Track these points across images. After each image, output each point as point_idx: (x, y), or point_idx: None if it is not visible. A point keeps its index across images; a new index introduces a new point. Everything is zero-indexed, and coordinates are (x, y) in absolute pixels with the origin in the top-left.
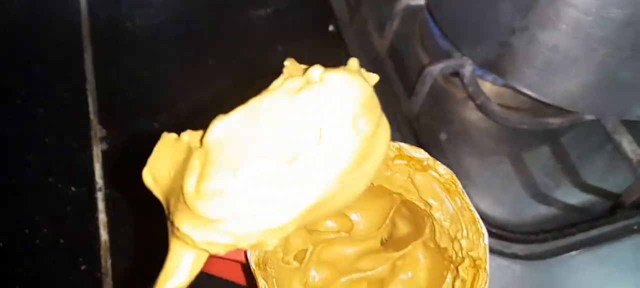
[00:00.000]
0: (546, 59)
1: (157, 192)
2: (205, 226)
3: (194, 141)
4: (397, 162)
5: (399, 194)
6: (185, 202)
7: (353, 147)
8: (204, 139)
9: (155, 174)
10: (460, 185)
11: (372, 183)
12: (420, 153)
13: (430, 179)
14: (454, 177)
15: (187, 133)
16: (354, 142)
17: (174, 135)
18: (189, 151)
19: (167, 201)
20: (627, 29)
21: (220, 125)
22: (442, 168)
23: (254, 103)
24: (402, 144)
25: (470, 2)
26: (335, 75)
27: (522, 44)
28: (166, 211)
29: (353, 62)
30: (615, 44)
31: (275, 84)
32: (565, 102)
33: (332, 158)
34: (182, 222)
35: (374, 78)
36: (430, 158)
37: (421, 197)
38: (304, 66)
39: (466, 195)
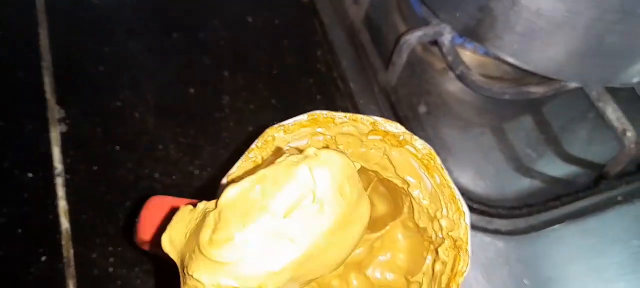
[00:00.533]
0: (529, 24)
1: (174, 254)
2: (214, 270)
3: (209, 206)
4: (371, 137)
5: (375, 172)
6: (200, 250)
7: (340, 208)
8: (219, 202)
9: (173, 239)
10: (439, 161)
11: None
12: (396, 128)
13: (407, 155)
14: (433, 152)
15: (202, 203)
16: (341, 205)
17: (190, 206)
18: (204, 214)
19: (182, 259)
20: None
21: (233, 190)
22: (419, 143)
23: (261, 173)
24: (377, 118)
25: None
26: (326, 152)
27: (503, 8)
28: (180, 268)
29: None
30: (602, 6)
31: (279, 160)
32: (549, 70)
33: (322, 216)
34: (195, 269)
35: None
36: (407, 132)
37: (398, 175)
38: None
39: (445, 172)
